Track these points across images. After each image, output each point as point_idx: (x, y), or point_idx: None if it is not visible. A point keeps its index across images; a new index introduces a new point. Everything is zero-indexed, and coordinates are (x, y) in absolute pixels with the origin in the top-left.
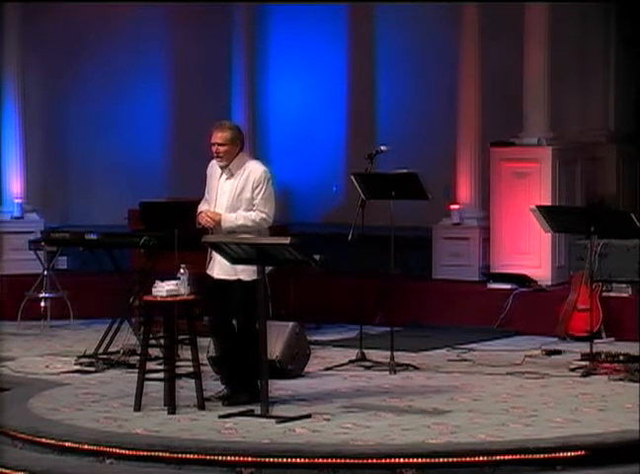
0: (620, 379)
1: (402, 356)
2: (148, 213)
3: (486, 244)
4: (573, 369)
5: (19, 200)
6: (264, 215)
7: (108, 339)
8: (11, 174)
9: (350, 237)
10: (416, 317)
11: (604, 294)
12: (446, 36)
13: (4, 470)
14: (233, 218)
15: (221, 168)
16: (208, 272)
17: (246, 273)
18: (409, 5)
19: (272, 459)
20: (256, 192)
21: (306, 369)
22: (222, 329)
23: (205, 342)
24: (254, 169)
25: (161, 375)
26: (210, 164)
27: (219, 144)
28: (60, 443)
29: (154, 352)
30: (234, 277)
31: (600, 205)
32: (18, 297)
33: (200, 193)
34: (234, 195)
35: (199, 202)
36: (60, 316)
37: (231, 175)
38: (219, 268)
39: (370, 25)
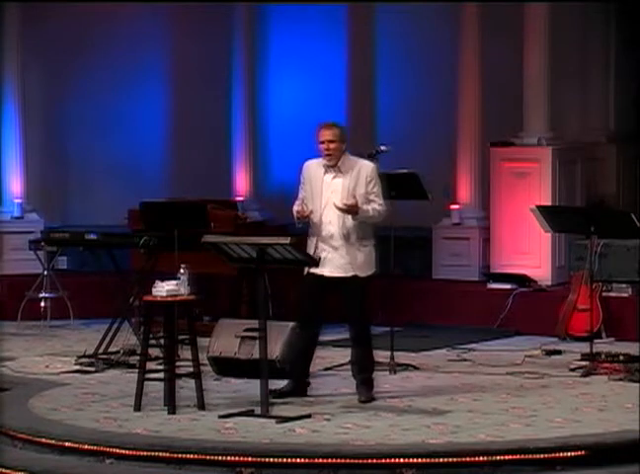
0: (620, 379)
1: (402, 356)
2: (148, 213)
3: (486, 244)
4: (573, 369)
5: (19, 200)
6: (384, 207)
7: (108, 339)
8: (11, 174)
9: None
10: (416, 317)
11: (604, 294)
12: (446, 36)
13: (4, 470)
14: (366, 209)
15: (330, 167)
16: (315, 270)
17: (362, 269)
18: (409, 5)
19: (272, 459)
20: (370, 186)
21: None
22: (312, 325)
23: (205, 342)
24: (364, 165)
25: (161, 375)
26: (306, 166)
27: (330, 141)
28: (60, 443)
29: (154, 352)
30: (350, 274)
31: (600, 205)
32: (18, 297)
33: (200, 193)
34: (348, 192)
35: (198, 203)
36: (60, 316)
37: (340, 173)
38: (332, 265)
39: (370, 25)
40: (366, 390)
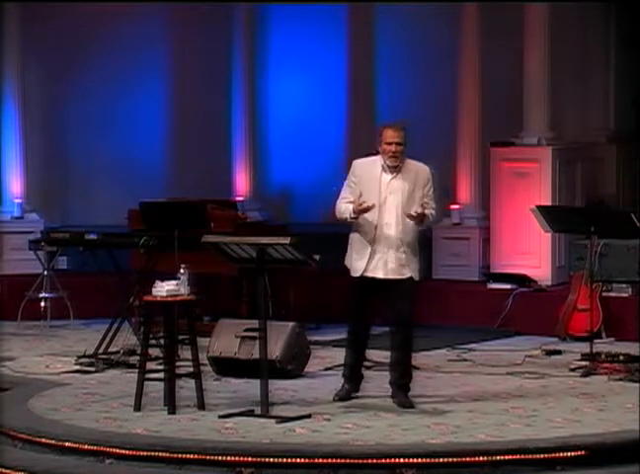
0: (620, 379)
1: None
2: (148, 213)
3: (486, 244)
4: (573, 369)
5: (19, 200)
6: (434, 212)
7: (108, 339)
8: (11, 174)
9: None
10: (416, 317)
11: (604, 294)
12: (446, 36)
13: (4, 470)
14: (428, 215)
15: (393, 167)
16: (368, 273)
17: (416, 271)
18: (409, 5)
19: (272, 459)
20: (426, 189)
21: (306, 369)
22: (366, 328)
23: (205, 342)
24: (421, 168)
25: (161, 375)
26: (358, 164)
27: (398, 143)
28: (60, 443)
29: (154, 352)
30: (406, 276)
31: (600, 205)
32: (18, 297)
33: (200, 193)
34: (407, 194)
35: (198, 203)
36: (60, 316)
37: (399, 174)
38: (388, 268)
39: (370, 25)
40: (405, 395)
